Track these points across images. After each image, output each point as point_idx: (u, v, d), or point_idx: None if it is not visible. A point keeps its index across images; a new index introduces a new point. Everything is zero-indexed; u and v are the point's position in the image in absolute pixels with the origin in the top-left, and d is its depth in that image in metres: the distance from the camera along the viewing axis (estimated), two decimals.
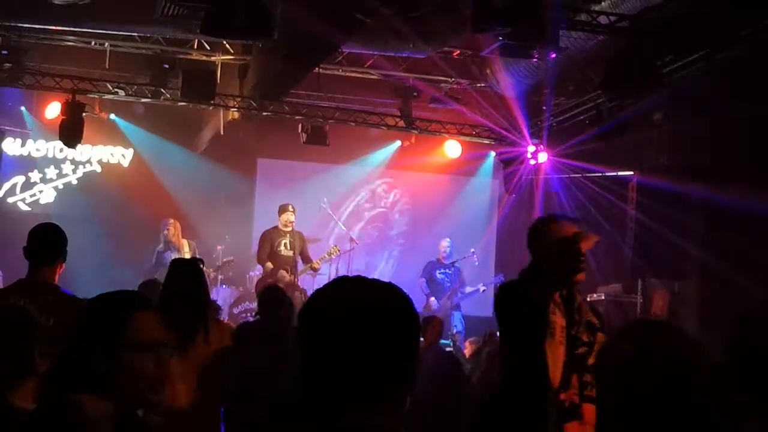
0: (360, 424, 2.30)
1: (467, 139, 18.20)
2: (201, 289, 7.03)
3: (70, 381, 3.20)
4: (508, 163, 17.39)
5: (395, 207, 20.11)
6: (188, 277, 6.93)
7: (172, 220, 16.13)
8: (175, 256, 15.47)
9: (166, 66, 15.81)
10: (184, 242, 16.04)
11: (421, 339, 11.81)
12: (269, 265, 15.85)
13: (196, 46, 15.69)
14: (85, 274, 14.01)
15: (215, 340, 6.90)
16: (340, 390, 2.31)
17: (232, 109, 16.90)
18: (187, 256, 14.53)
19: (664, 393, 2.49)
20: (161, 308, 6.61)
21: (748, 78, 11.73)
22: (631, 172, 14.43)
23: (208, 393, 6.92)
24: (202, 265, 7.13)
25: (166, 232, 16.00)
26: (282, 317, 9.78)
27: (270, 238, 16.06)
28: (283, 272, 15.73)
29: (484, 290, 17.66)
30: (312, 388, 2.34)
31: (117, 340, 3.22)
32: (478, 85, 16.36)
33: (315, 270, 16.06)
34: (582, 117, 15.31)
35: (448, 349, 13.54)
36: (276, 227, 16.18)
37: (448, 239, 17.68)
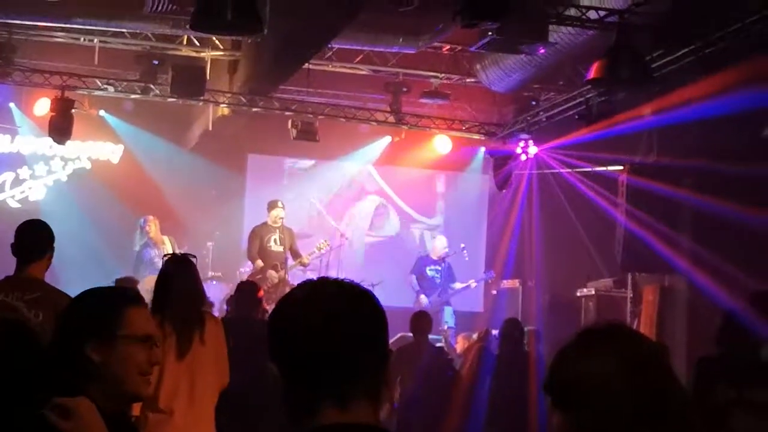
0: (338, 422, 2.32)
1: (457, 134, 18.20)
2: (197, 286, 7.02)
3: (64, 374, 3.22)
4: (498, 159, 17.38)
5: (390, 204, 20.07)
6: (183, 274, 6.91)
7: (151, 217, 16.09)
8: (155, 252, 15.49)
9: (156, 62, 15.80)
10: (164, 238, 16.00)
11: (410, 334, 11.85)
12: (259, 262, 15.87)
13: (185, 42, 15.67)
14: (74, 271, 13.98)
15: (210, 338, 6.90)
16: (314, 390, 2.34)
17: (222, 105, 16.87)
18: (169, 251, 14.50)
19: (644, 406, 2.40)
20: (156, 307, 6.62)
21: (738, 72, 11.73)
22: (621, 167, 14.42)
23: (203, 392, 6.92)
24: (194, 260, 7.11)
25: (147, 228, 15.94)
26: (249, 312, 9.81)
27: (259, 234, 16.08)
28: (271, 271, 15.73)
29: (475, 286, 17.69)
30: (288, 388, 2.37)
31: (114, 332, 3.27)
32: (468, 80, 16.35)
33: (304, 265, 16.07)
34: (572, 112, 15.30)
35: (438, 344, 13.54)
36: (265, 223, 16.19)
37: (444, 238, 17.70)
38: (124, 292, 3.55)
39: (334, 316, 2.35)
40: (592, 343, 2.47)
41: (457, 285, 17.36)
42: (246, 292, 10.12)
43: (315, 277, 2.52)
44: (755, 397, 6.77)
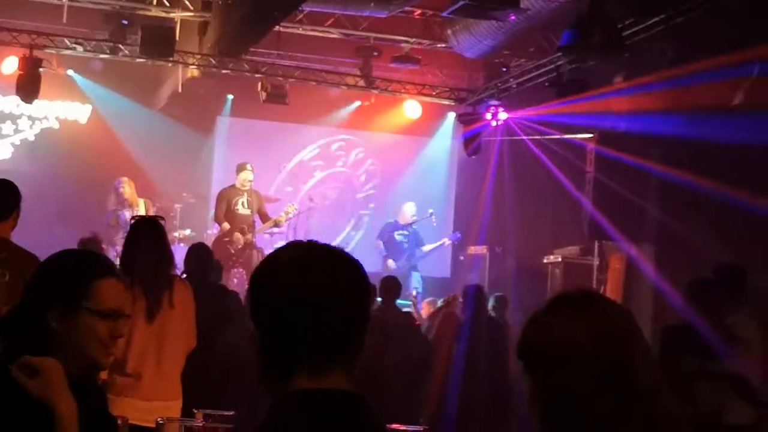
0: (313, 387, 2.31)
1: (427, 99, 18.17)
2: (165, 249, 6.98)
3: (21, 336, 3.19)
4: (468, 124, 17.37)
5: (359, 169, 20.05)
6: (152, 237, 6.85)
7: (125, 179, 15.94)
8: (129, 214, 15.36)
9: (125, 22, 15.69)
10: (140, 200, 15.88)
11: (378, 299, 11.84)
12: (226, 224, 15.83)
13: (155, 3, 15.54)
14: (41, 231, 13.89)
15: (179, 302, 6.88)
16: (290, 355, 2.33)
17: (192, 67, 16.77)
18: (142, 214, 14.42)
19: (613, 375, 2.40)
20: (125, 270, 6.57)
21: (708, 41, 11.76)
22: (590, 135, 14.45)
23: (171, 356, 6.91)
24: (163, 223, 7.06)
25: (121, 190, 15.79)
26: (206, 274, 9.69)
27: (227, 197, 16.03)
28: (238, 233, 15.70)
29: (448, 244, 17.81)
30: (264, 351, 2.35)
31: (79, 303, 3.22)
32: (440, 45, 16.33)
33: (278, 226, 16.06)
34: (542, 79, 15.30)
35: (405, 309, 13.55)
36: (233, 186, 16.14)
37: (413, 204, 17.69)
38: (97, 260, 3.42)
39: (319, 281, 2.33)
40: (563, 310, 2.47)
41: (427, 247, 17.45)
42: (202, 254, 9.84)
43: (296, 240, 2.50)
44: (714, 368, 6.85)
